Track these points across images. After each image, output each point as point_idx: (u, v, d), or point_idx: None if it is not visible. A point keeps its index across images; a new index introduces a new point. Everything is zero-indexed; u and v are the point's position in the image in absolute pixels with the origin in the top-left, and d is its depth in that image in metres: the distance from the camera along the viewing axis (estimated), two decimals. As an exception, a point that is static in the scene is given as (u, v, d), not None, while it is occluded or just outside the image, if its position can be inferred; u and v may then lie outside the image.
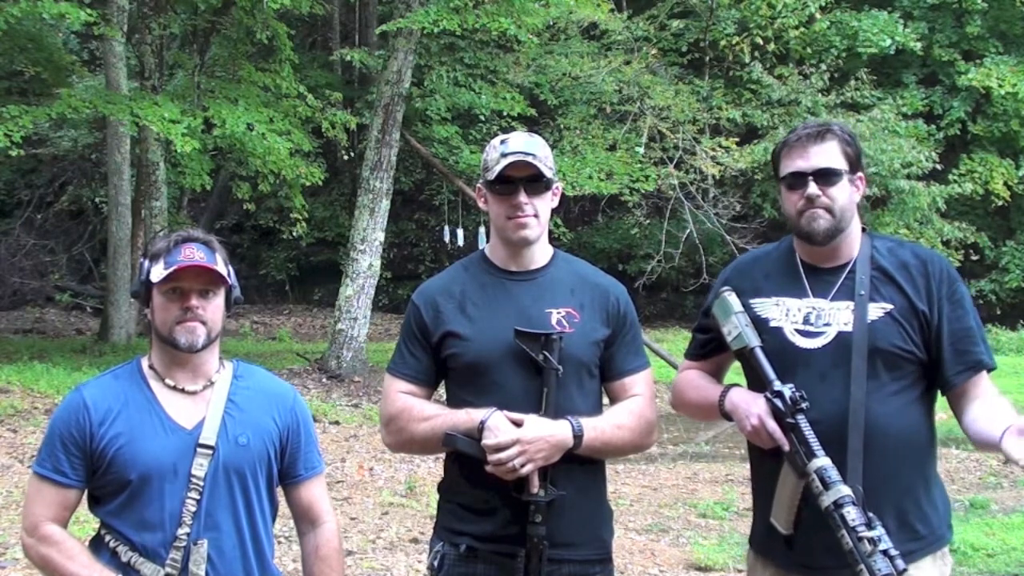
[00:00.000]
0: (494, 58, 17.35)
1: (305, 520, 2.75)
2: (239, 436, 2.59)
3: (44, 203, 20.15)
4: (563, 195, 3.41)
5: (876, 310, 2.64)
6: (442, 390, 2.88)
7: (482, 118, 17.15)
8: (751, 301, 2.75)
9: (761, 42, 17.61)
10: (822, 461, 2.48)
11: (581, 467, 2.71)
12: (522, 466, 2.58)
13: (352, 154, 18.12)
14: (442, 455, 2.83)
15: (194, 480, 2.51)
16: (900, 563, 2.36)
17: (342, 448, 9.31)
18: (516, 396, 2.67)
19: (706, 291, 2.95)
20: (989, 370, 2.67)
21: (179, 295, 2.53)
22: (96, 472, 2.53)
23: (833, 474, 2.46)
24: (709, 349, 2.89)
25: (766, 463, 2.67)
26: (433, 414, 2.72)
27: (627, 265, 19.00)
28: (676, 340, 16.60)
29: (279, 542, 5.50)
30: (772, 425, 2.57)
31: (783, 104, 17.62)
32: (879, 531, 2.39)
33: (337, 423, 10.50)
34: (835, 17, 18.92)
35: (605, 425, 2.71)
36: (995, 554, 6.44)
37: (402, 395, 2.77)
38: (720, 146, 15.88)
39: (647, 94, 16.00)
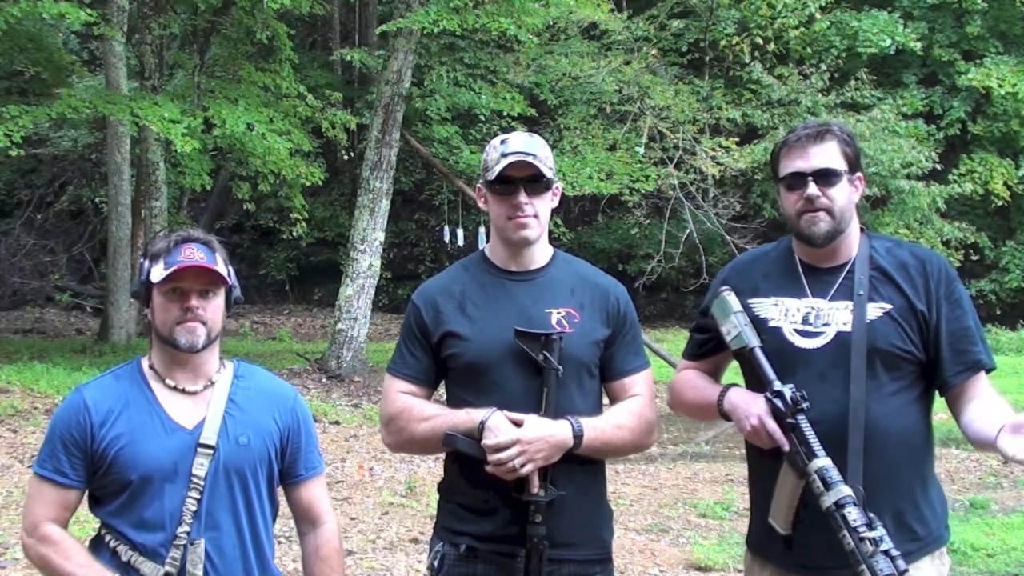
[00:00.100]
0: (494, 58, 17.36)
1: (305, 520, 2.75)
2: (240, 436, 2.59)
3: (44, 203, 20.15)
4: (563, 195, 3.41)
5: (875, 310, 2.64)
6: (442, 390, 2.88)
7: (482, 118, 17.15)
8: (750, 301, 2.75)
9: (761, 42, 17.61)
10: (823, 461, 2.48)
11: (581, 467, 2.71)
12: (522, 466, 2.58)
13: (352, 154, 18.12)
14: (442, 455, 2.83)
15: (194, 480, 2.51)
16: (901, 563, 2.36)
17: (342, 448, 9.31)
18: (516, 396, 2.66)
19: (706, 291, 2.94)
20: (988, 370, 2.66)
21: (179, 295, 2.53)
22: (97, 473, 2.54)
23: (834, 474, 2.46)
24: (707, 349, 2.89)
25: (765, 463, 2.67)
26: (433, 414, 2.72)
27: (627, 265, 19.00)
28: (676, 340, 16.59)
29: (279, 542, 5.50)
30: (772, 425, 2.57)
31: (783, 104, 17.62)
32: (880, 531, 2.39)
33: (337, 423, 10.50)
34: (835, 17, 18.92)
35: (605, 425, 2.71)
36: (995, 554, 6.44)
37: (402, 395, 2.77)
38: (720, 146, 15.89)
39: (647, 94, 16.01)
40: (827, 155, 2.67)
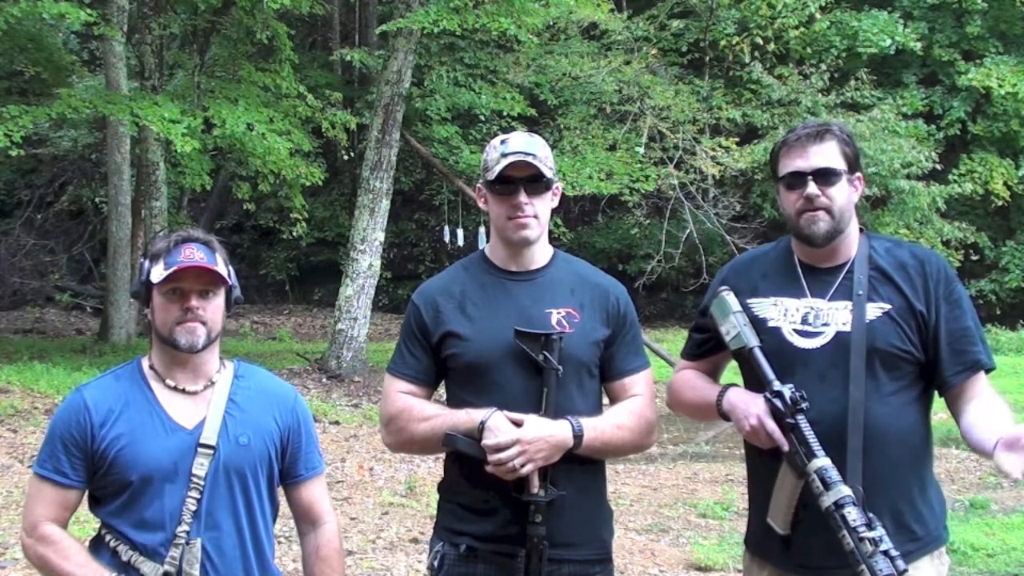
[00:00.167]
0: (494, 58, 17.36)
1: (306, 520, 2.75)
2: (240, 436, 2.59)
3: (44, 203, 20.15)
4: (563, 195, 3.41)
5: (874, 310, 2.64)
6: (442, 390, 2.88)
7: (482, 118, 17.15)
8: (749, 301, 2.75)
9: (761, 42, 17.61)
10: (822, 461, 2.48)
11: (581, 467, 2.71)
12: (522, 466, 2.58)
13: (352, 154, 18.12)
14: (442, 455, 2.83)
15: (195, 479, 2.51)
16: (901, 563, 2.36)
17: (342, 448, 9.31)
18: (516, 396, 2.67)
19: (706, 291, 2.94)
20: (987, 370, 2.66)
21: (179, 295, 2.53)
22: (97, 473, 2.54)
23: (834, 474, 2.46)
24: (706, 349, 2.89)
25: (764, 463, 2.67)
26: (433, 414, 2.72)
27: (627, 265, 19.00)
28: (676, 340, 16.59)
29: (279, 542, 5.50)
30: (771, 425, 2.57)
31: (783, 104, 17.62)
32: (880, 531, 2.39)
33: (337, 423, 10.50)
34: (835, 17, 18.92)
35: (605, 425, 2.71)
36: (995, 554, 6.44)
37: (402, 395, 2.77)
38: (720, 146, 15.88)
39: (647, 94, 16.01)
40: (827, 155, 2.67)
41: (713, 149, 15.77)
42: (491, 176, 2.74)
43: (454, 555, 2.72)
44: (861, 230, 2.77)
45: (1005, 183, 18.68)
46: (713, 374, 2.92)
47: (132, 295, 2.87)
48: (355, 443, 9.58)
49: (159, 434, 2.54)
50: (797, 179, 2.68)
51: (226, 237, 15.46)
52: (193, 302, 2.53)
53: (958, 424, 2.65)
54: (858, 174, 2.75)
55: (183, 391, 2.59)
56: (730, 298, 2.75)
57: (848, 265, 2.71)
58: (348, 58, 15.80)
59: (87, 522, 3.04)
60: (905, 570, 2.37)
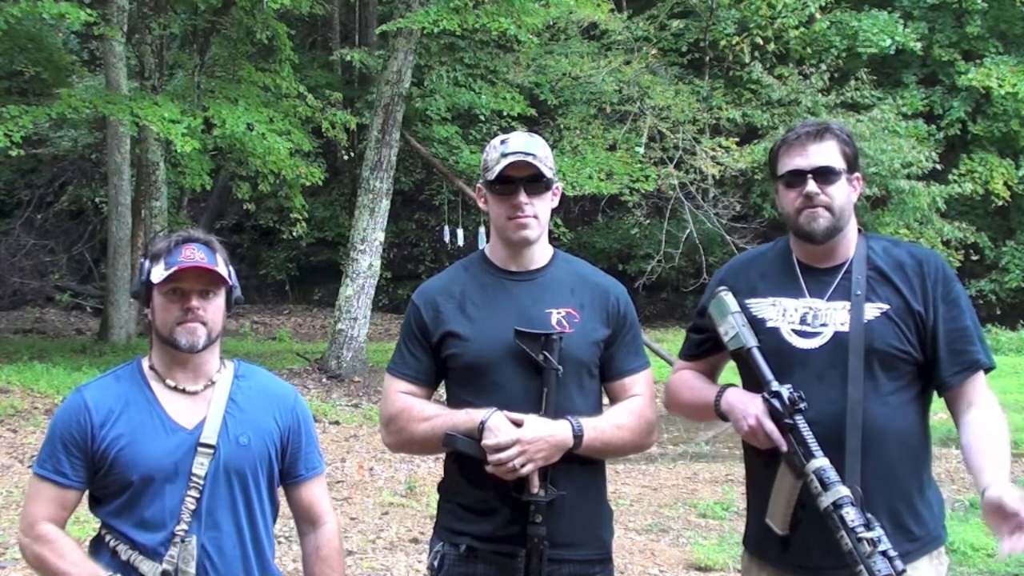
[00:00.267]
0: (494, 58, 17.36)
1: (306, 520, 2.75)
2: (240, 436, 2.59)
3: (44, 203, 20.15)
4: (563, 195, 3.41)
5: (872, 310, 2.64)
6: (442, 390, 2.88)
7: (482, 118, 17.15)
8: (747, 301, 2.75)
9: (761, 42, 17.61)
10: (820, 462, 2.48)
11: (581, 467, 2.71)
12: (522, 466, 2.58)
13: (352, 154, 18.12)
14: (442, 455, 2.83)
15: (194, 478, 2.51)
16: (899, 564, 2.36)
17: (342, 448, 9.31)
18: (516, 396, 2.67)
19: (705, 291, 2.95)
20: (987, 370, 2.66)
21: (180, 296, 2.53)
22: (97, 473, 2.54)
23: (832, 475, 2.46)
24: (704, 349, 2.89)
25: (762, 464, 2.67)
26: (433, 414, 2.72)
27: (627, 265, 19.00)
28: (676, 340, 16.58)
29: (279, 542, 5.50)
30: (770, 425, 2.57)
31: (783, 104, 17.62)
32: (878, 532, 2.39)
33: (337, 423, 10.50)
34: (835, 17, 18.92)
35: (605, 425, 2.71)
36: (995, 554, 6.43)
37: (402, 395, 2.77)
38: (720, 146, 15.89)
39: (647, 94, 16.01)
40: (826, 153, 2.67)
41: (713, 149, 15.77)
42: (491, 176, 2.74)
43: (454, 555, 2.72)
44: (860, 230, 2.78)
45: (1005, 183, 18.67)
46: (711, 374, 2.91)
47: (132, 295, 2.87)
48: (355, 443, 9.58)
49: (159, 434, 2.54)
50: (797, 177, 2.67)
51: (226, 237, 15.42)
52: (193, 302, 2.53)
53: (957, 428, 2.65)
54: (857, 174, 2.75)
55: (183, 391, 2.59)
56: (728, 298, 2.74)
57: (846, 265, 2.71)
58: (348, 58, 15.80)
59: (87, 522, 3.04)
60: (903, 570, 2.37)
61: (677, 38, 18.93)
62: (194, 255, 2.52)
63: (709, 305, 2.79)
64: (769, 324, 2.70)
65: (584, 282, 2.83)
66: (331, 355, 13.15)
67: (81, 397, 2.58)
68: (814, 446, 2.50)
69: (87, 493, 2.60)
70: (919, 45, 18.65)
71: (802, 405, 2.53)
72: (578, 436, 2.64)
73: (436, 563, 2.74)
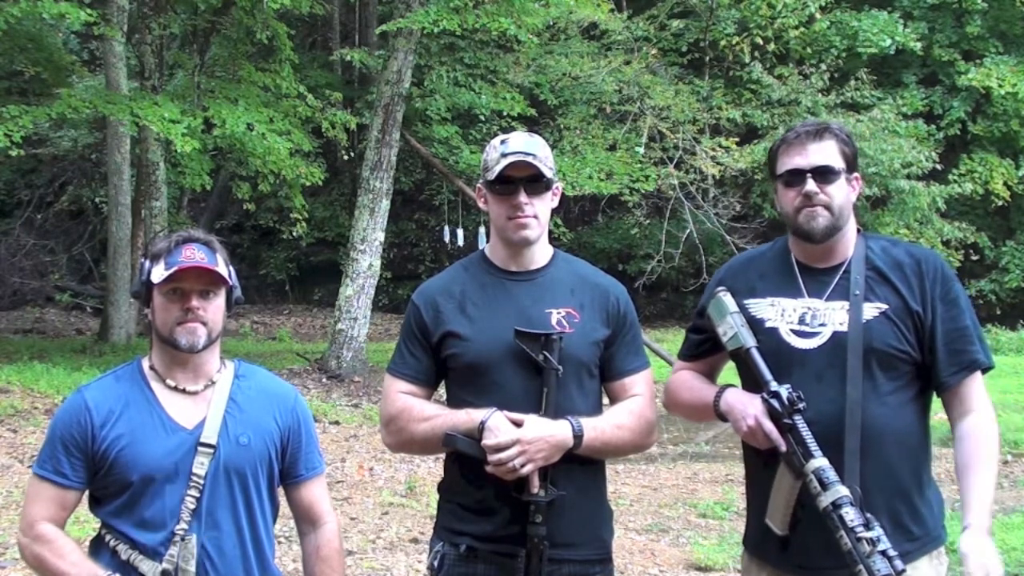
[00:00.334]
0: (494, 58, 17.36)
1: (306, 520, 2.75)
2: (240, 436, 2.59)
3: (44, 203, 20.15)
4: (563, 195, 3.41)
5: (871, 310, 2.63)
6: (442, 390, 2.88)
7: (482, 118, 17.15)
8: (746, 301, 2.75)
9: (761, 42, 17.61)
10: (820, 462, 2.48)
11: (581, 467, 2.71)
12: (522, 466, 2.59)
13: (352, 154, 18.12)
14: (442, 455, 2.83)
15: (194, 478, 2.52)
16: (899, 564, 2.36)
17: (342, 448, 9.31)
18: (516, 396, 2.67)
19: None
20: (985, 369, 2.66)
21: (180, 296, 2.54)
22: (98, 474, 2.54)
23: (831, 475, 2.46)
24: (703, 350, 2.89)
25: (761, 464, 2.67)
26: (433, 414, 2.72)
27: (627, 265, 19.00)
28: (676, 340, 16.58)
29: (279, 542, 5.50)
30: (769, 426, 2.57)
31: (783, 104, 17.62)
32: (878, 532, 2.39)
33: (337, 423, 10.50)
34: (835, 17, 18.92)
35: (605, 425, 2.71)
36: (995, 554, 6.43)
37: (402, 395, 2.78)
38: (720, 146, 15.88)
39: (647, 94, 16.01)
40: (826, 153, 2.67)
41: (713, 149, 15.77)
42: (491, 176, 2.74)
43: (454, 555, 2.72)
44: (859, 230, 2.77)
45: (1005, 183, 18.67)
46: (710, 375, 2.91)
47: (132, 295, 2.87)
48: (355, 443, 9.58)
49: (159, 434, 2.54)
50: (796, 176, 2.67)
51: (226, 237, 15.41)
52: (194, 302, 2.53)
53: (953, 434, 2.66)
54: (856, 174, 2.75)
55: (183, 391, 2.60)
56: (727, 299, 2.74)
57: (845, 265, 2.71)
58: (348, 58, 15.79)
59: (87, 522, 3.04)
60: (903, 570, 2.37)
61: (677, 38, 18.92)
62: (194, 255, 2.52)
63: (708, 305, 2.79)
64: (768, 324, 2.70)
65: (584, 282, 2.83)
66: (331, 355, 13.16)
67: (81, 397, 2.58)
68: (813, 446, 2.50)
69: (87, 493, 2.60)
70: (919, 45, 18.65)
71: (801, 405, 2.53)
72: (578, 436, 2.64)
73: (436, 563, 2.74)
